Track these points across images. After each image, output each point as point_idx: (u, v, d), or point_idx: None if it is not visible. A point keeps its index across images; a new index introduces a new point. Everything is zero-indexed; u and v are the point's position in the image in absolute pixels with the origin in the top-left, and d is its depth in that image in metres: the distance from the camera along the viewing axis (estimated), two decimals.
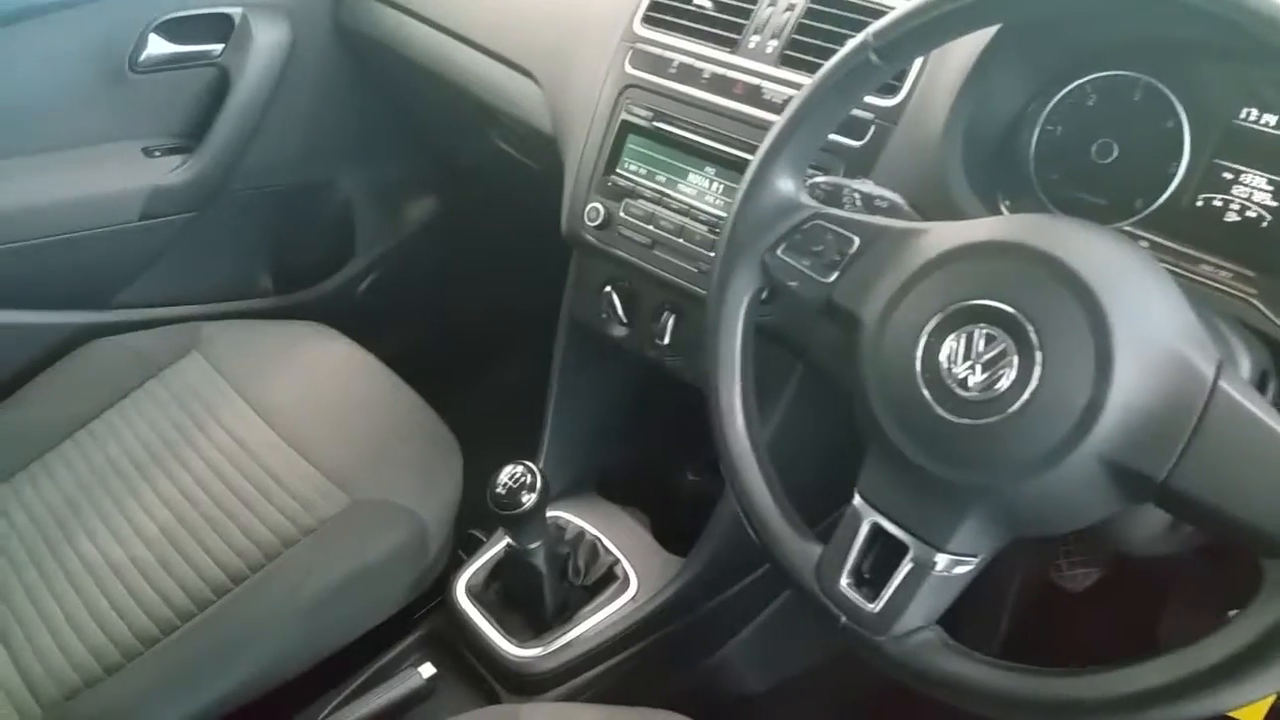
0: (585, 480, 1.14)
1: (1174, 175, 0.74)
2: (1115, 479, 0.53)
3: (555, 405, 1.12)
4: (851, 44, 0.64)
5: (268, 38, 1.35)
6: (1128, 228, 0.75)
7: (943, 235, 0.61)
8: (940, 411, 0.56)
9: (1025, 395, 0.54)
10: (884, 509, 0.60)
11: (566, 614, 0.99)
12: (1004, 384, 0.54)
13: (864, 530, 0.61)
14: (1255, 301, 0.66)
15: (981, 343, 0.56)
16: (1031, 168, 0.80)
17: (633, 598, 1.00)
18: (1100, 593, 1.19)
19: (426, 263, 1.63)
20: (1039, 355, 0.54)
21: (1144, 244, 0.74)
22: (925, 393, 0.57)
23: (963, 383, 0.56)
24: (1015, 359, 0.54)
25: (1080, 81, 0.78)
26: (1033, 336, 0.54)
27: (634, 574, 1.02)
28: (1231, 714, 0.57)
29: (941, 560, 0.58)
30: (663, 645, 1.00)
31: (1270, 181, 0.70)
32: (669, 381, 1.01)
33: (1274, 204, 0.69)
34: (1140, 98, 0.75)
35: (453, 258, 1.64)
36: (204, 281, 1.46)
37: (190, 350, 1.21)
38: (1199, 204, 0.73)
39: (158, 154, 1.36)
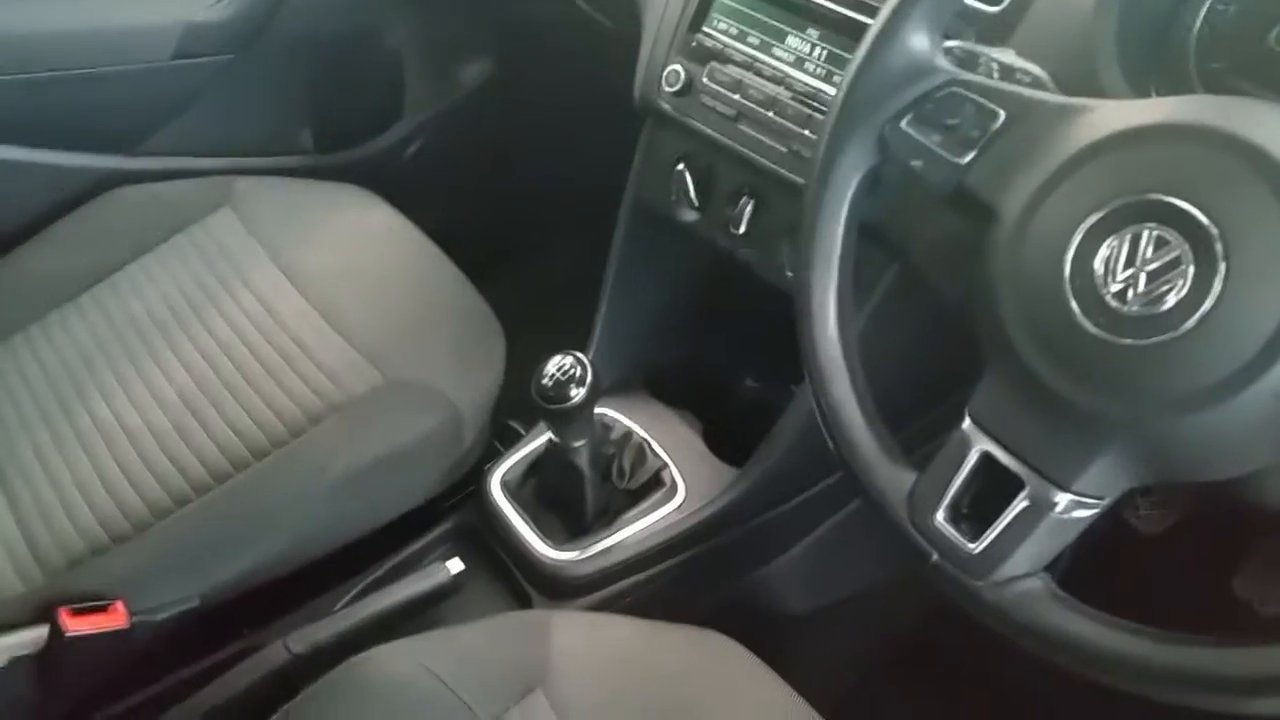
0: (636, 377, 1.06)
1: None
2: None
3: (611, 293, 1.03)
4: None
5: None
6: None
7: (1109, 115, 0.50)
8: (1089, 326, 0.47)
9: (1200, 313, 0.44)
10: (1000, 436, 0.51)
11: (607, 518, 0.92)
12: (1172, 299, 0.45)
13: (972, 458, 0.52)
14: None
15: (1150, 247, 0.46)
16: (1191, 52, 0.68)
17: (679, 506, 0.92)
18: (1174, 536, 1.11)
19: (479, 130, 1.52)
20: (1222, 265, 0.44)
21: None
22: (1073, 303, 0.47)
23: (1121, 295, 0.46)
24: (1190, 269, 0.45)
25: None
26: (1216, 241, 0.44)
27: (682, 481, 0.94)
28: None
29: (1063, 500, 0.49)
30: (707, 558, 0.94)
31: None
32: (738, 276, 0.91)
33: None
34: None
35: (508, 126, 1.52)
36: (240, 132, 1.36)
37: (222, 205, 1.12)
38: None
39: None
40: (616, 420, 1.00)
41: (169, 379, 0.95)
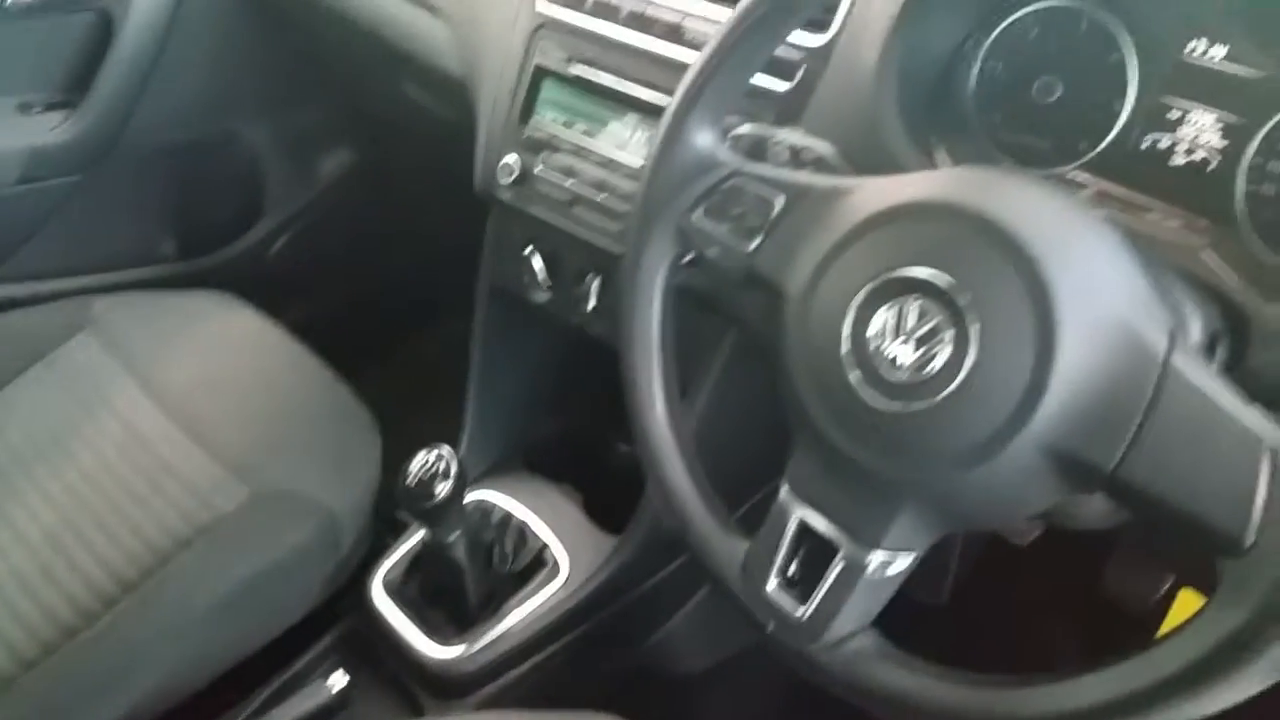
0: (512, 455, 1.07)
1: (1119, 114, 0.68)
2: (1060, 468, 0.47)
3: (477, 377, 1.04)
4: None
5: None
6: (1073, 172, 0.69)
7: (871, 194, 0.54)
8: (869, 396, 0.50)
9: (960, 377, 0.48)
10: (812, 502, 0.54)
11: (493, 606, 0.92)
12: (938, 364, 0.49)
13: (791, 526, 0.55)
14: (1204, 253, 0.61)
15: (913, 317, 0.50)
16: (971, 109, 0.74)
17: (564, 583, 0.93)
18: (1045, 545, 1.17)
19: (342, 221, 1.52)
20: (974, 331, 0.48)
21: (1089, 190, 0.68)
22: (853, 374, 0.51)
23: (894, 362, 0.50)
24: (949, 335, 0.48)
25: (1022, 13, 0.71)
26: (966, 309, 0.48)
27: (565, 557, 0.95)
28: None
29: (875, 559, 0.52)
30: (597, 632, 0.94)
31: (1219, 120, 0.64)
32: (597, 348, 0.94)
33: (1222, 144, 0.64)
34: (1085, 29, 0.69)
35: (370, 215, 1.54)
36: (98, 249, 1.34)
37: (81, 329, 1.10)
38: (1145, 145, 0.67)
39: (36, 110, 1.24)
40: (495, 504, 1.00)
41: (33, 518, 0.91)
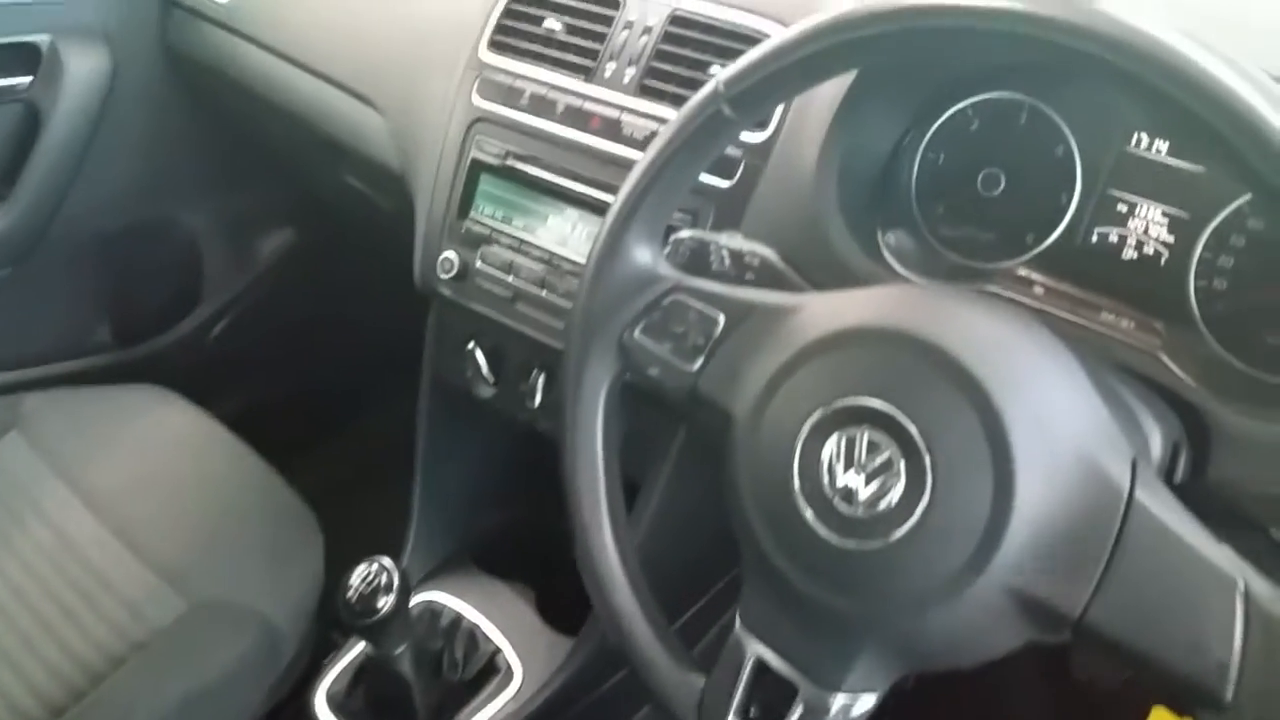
0: (460, 552, 1.03)
1: (1067, 207, 0.67)
2: (1024, 611, 0.45)
3: (421, 472, 1.01)
4: (701, 93, 0.55)
5: (84, 66, 1.20)
6: (1019, 268, 0.68)
7: (816, 314, 0.53)
8: (823, 532, 0.48)
9: (916, 515, 0.46)
10: (768, 640, 0.52)
11: (444, 718, 0.88)
12: (893, 499, 0.46)
13: (748, 664, 0.52)
14: (1160, 354, 0.60)
15: (864, 450, 0.47)
16: (913, 202, 0.73)
17: (517, 692, 0.89)
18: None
19: (283, 303, 1.49)
20: (928, 465, 0.46)
21: (1039, 289, 0.67)
22: (805, 508, 0.49)
23: (847, 496, 0.48)
24: (902, 470, 0.46)
25: (961, 105, 0.71)
26: (920, 443, 0.46)
27: (518, 663, 0.92)
28: None
29: (837, 702, 0.50)
30: None
31: (1165, 214, 0.63)
32: (545, 441, 0.91)
33: (1170, 239, 0.63)
34: (1026, 122, 0.68)
35: (311, 298, 1.50)
36: (29, 343, 1.30)
37: (9, 430, 1.05)
38: (1094, 239, 0.66)
39: None
40: (444, 606, 0.97)
41: None
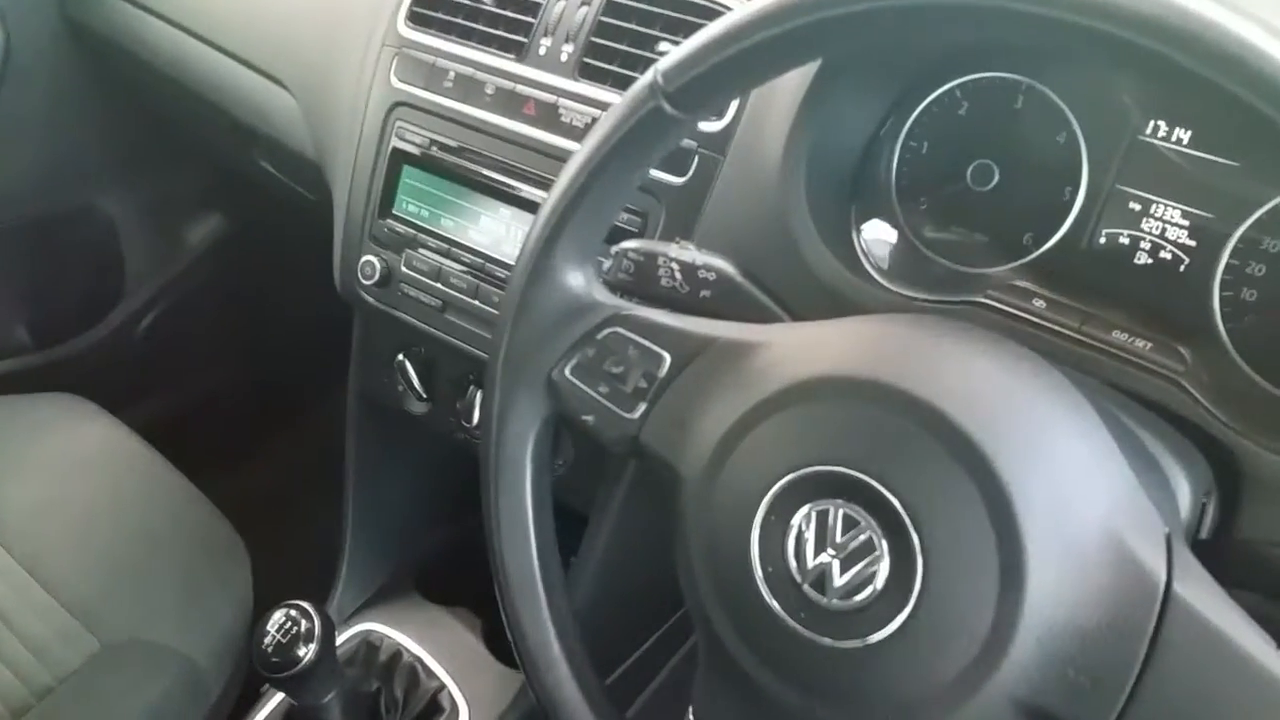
0: (403, 577, 0.95)
1: (1071, 204, 0.58)
2: None
3: (354, 493, 0.92)
4: (637, 86, 0.45)
5: None
6: (1018, 281, 0.58)
7: (781, 356, 0.44)
8: (792, 623, 0.40)
9: (905, 611, 0.38)
10: None
11: None
12: (875, 586, 0.38)
13: None
14: (1183, 381, 0.51)
15: (839, 528, 0.39)
16: (894, 199, 0.63)
17: None
18: None
19: (212, 297, 1.37)
20: (917, 550, 0.37)
21: (1039, 301, 0.57)
22: (769, 595, 0.40)
23: (819, 583, 0.39)
24: (886, 552, 0.38)
25: (948, 86, 0.61)
26: (908, 524, 0.38)
27: (463, 700, 0.84)
28: None
29: None
30: None
31: (1186, 215, 0.54)
32: None
33: (1192, 243, 0.54)
34: (1023, 105, 0.59)
35: (242, 292, 1.39)
36: None
37: None
38: (1103, 241, 0.57)
39: None
40: (385, 638, 0.88)
41: None
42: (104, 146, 1.26)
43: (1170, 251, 0.55)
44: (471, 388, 0.79)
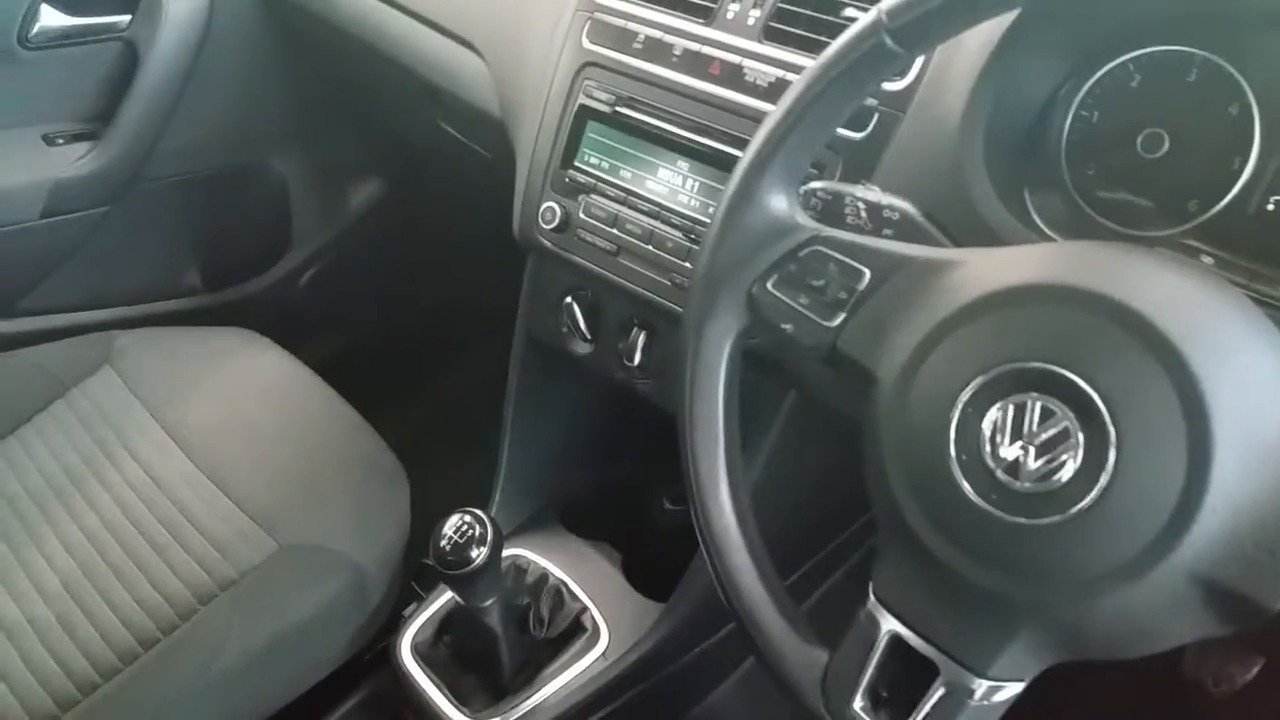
0: (548, 510, 1.01)
1: (1240, 173, 0.61)
2: (1211, 601, 0.41)
3: (512, 428, 0.99)
4: (861, 24, 0.50)
5: (182, 6, 1.20)
6: (1183, 239, 0.62)
7: (981, 270, 0.48)
8: (982, 504, 0.44)
9: (1097, 489, 0.41)
10: (907, 617, 0.48)
11: (528, 673, 0.87)
12: (1066, 473, 0.42)
13: (882, 640, 0.49)
14: None
15: (1036, 418, 0.43)
16: (1063, 161, 0.67)
17: (604, 653, 0.88)
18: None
19: (372, 254, 1.48)
20: (1113, 439, 0.41)
21: (1207, 259, 0.61)
22: (962, 481, 0.45)
23: (1012, 469, 0.44)
24: (1080, 441, 0.42)
25: (1122, 59, 0.64)
26: (1105, 415, 0.42)
27: (604, 624, 0.90)
28: None
29: (980, 687, 0.46)
30: (638, 703, 0.89)
31: None
32: (641, 401, 0.88)
33: None
34: (1196, 78, 0.62)
35: (401, 249, 1.49)
36: (122, 282, 1.31)
37: (102, 364, 1.06)
38: (1270, 208, 0.60)
39: (60, 142, 1.21)
40: (531, 561, 0.95)
41: (52, 566, 0.87)
42: (284, 112, 1.37)
43: None
44: (635, 330, 0.85)
